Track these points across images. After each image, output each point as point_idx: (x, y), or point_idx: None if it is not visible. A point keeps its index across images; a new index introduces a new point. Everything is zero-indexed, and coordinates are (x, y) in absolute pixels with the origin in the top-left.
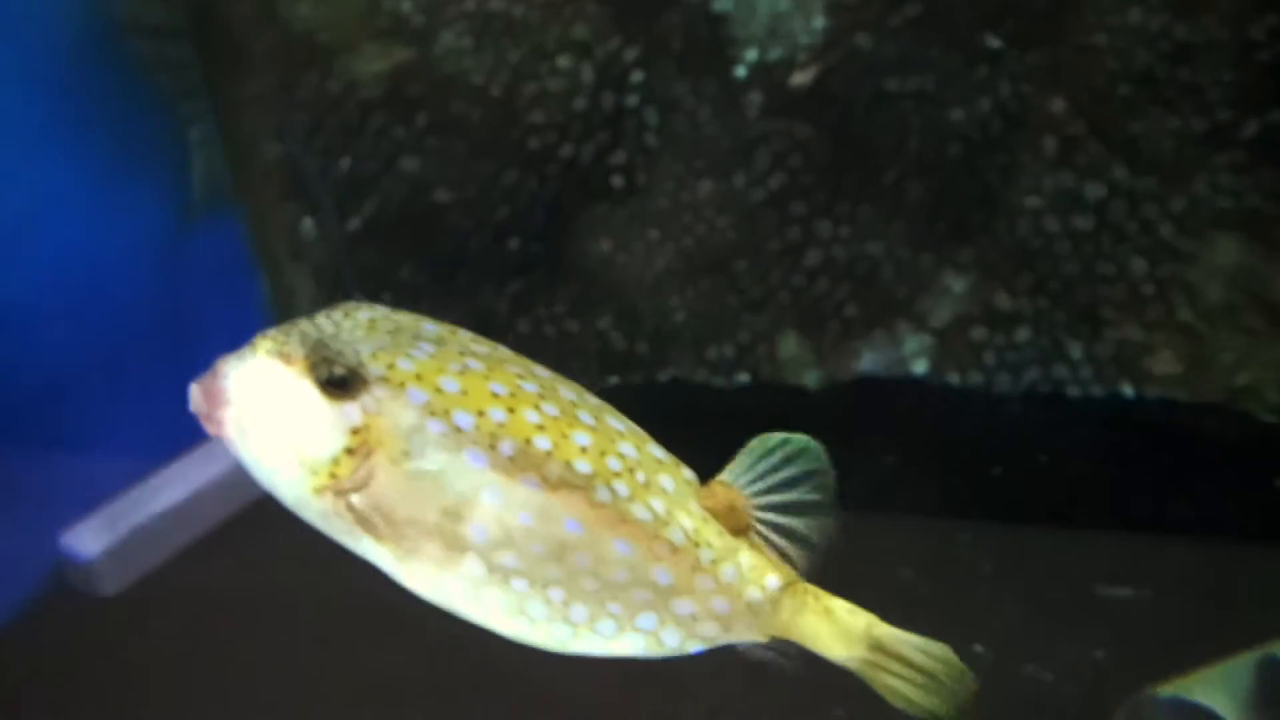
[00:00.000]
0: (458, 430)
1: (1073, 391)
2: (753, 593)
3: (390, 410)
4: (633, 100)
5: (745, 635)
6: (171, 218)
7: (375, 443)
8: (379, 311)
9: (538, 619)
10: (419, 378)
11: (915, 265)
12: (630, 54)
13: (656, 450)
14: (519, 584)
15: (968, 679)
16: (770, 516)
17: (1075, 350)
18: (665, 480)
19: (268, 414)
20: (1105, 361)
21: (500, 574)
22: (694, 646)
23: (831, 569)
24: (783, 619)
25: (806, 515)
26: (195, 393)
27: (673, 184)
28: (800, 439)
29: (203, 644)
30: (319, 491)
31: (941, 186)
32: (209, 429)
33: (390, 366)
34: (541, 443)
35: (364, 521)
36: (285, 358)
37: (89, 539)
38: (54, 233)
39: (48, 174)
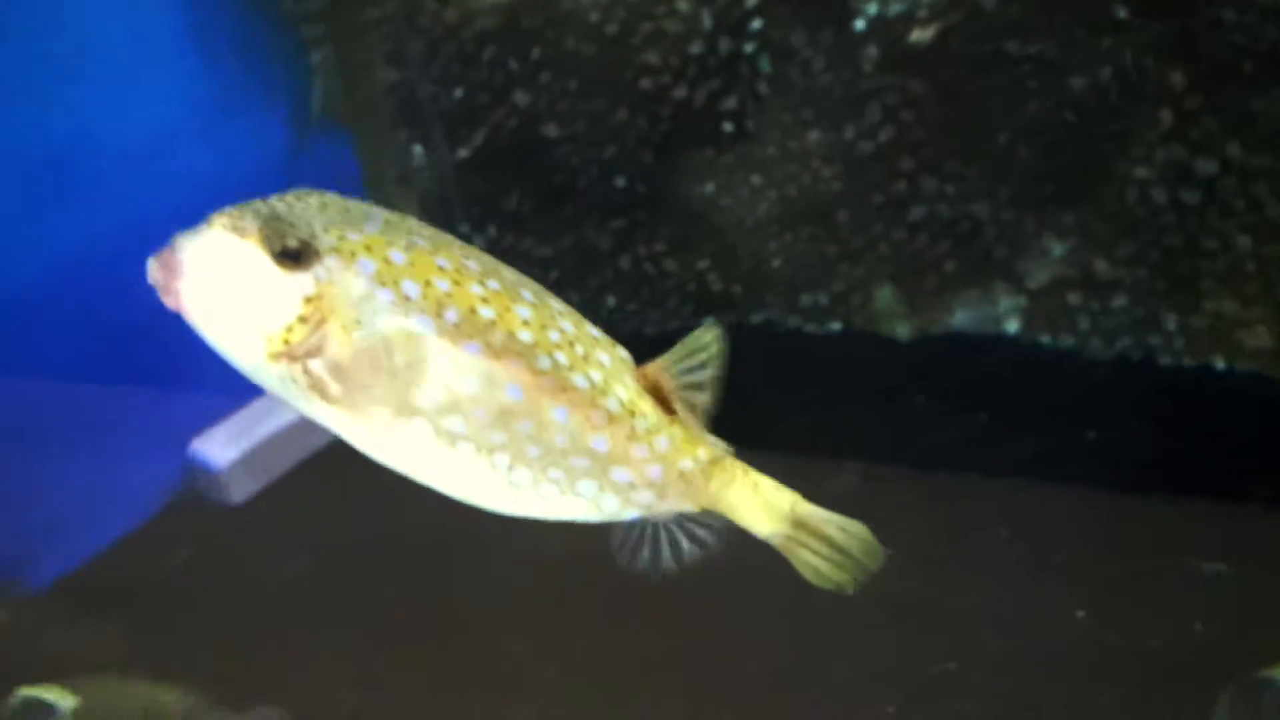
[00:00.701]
0: (406, 299)
1: (1164, 361)
2: (685, 462)
3: (341, 279)
4: (749, 47)
5: (678, 504)
6: (289, 140)
7: (328, 311)
8: (330, 196)
9: (484, 481)
10: (369, 249)
11: (1017, 227)
12: (750, 1)
13: (594, 330)
14: (465, 448)
15: (879, 555)
16: (695, 396)
17: (1170, 321)
18: (603, 356)
19: (223, 285)
20: (1199, 333)
21: (447, 438)
22: (631, 513)
23: (924, 523)
24: (712, 490)
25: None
26: (152, 266)
27: (781, 132)
28: (710, 329)
29: (321, 552)
30: (274, 358)
31: (1052, 151)
32: (166, 301)
33: (341, 238)
34: (485, 312)
35: (317, 386)
36: (240, 231)
37: (218, 449)
38: (186, 152)
39: (182, 94)
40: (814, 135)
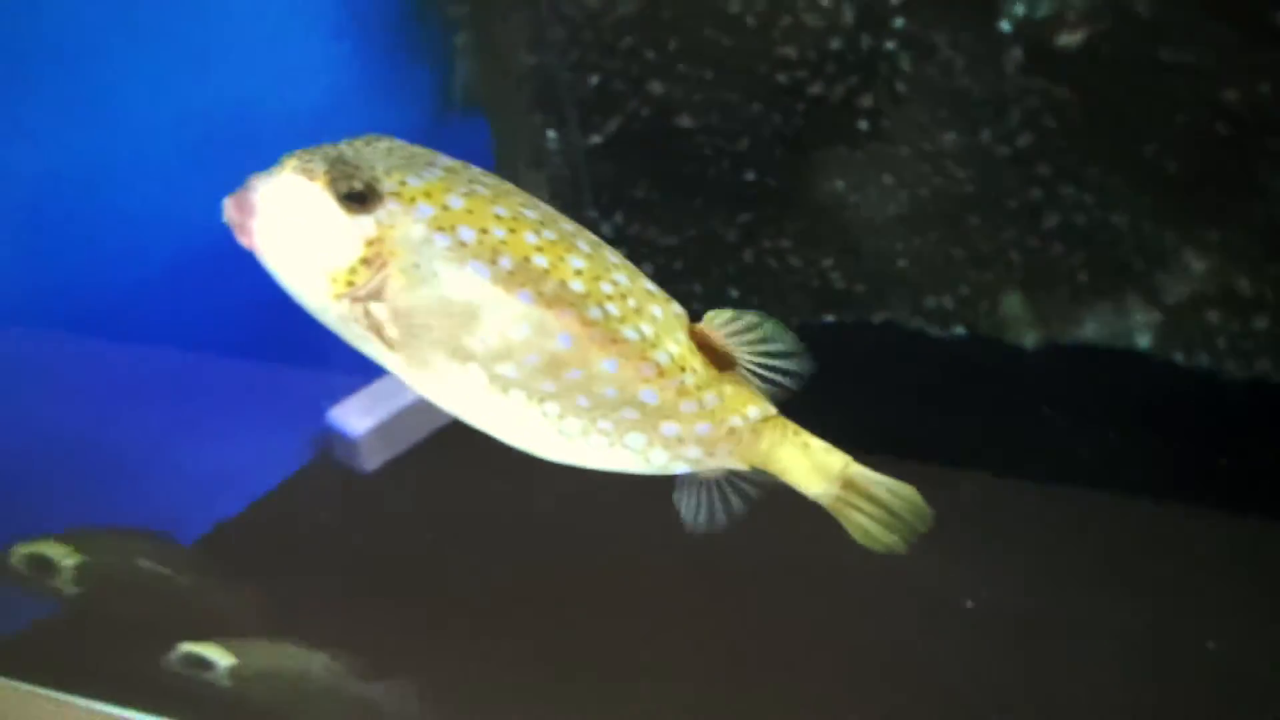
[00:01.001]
0: (461, 244)
1: None
2: (735, 419)
3: (401, 223)
4: (890, 45)
5: (727, 461)
6: (429, 120)
7: (389, 254)
8: (397, 142)
9: (535, 429)
10: (428, 195)
11: (1157, 240)
12: None
13: (649, 284)
14: (517, 395)
15: (928, 518)
16: (751, 358)
17: None
18: (655, 309)
19: (291, 225)
20: None
21: (500, 384)
22: (680, 467)
23: (1045, 539)
24: (762, 449)
25: (783, 359)
26: (228, 204)
27: (916, 132)
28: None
29: (449, 522)
30: (337, 298)
31: (1200, 165)
32: (240, 239)
33: (402, 183)
34: (539, 260)
35: (376, 328)
36: (309, 173)
37: (355, 417)
38: (328, 131)
39: (327, 73)
40: (950, 136)
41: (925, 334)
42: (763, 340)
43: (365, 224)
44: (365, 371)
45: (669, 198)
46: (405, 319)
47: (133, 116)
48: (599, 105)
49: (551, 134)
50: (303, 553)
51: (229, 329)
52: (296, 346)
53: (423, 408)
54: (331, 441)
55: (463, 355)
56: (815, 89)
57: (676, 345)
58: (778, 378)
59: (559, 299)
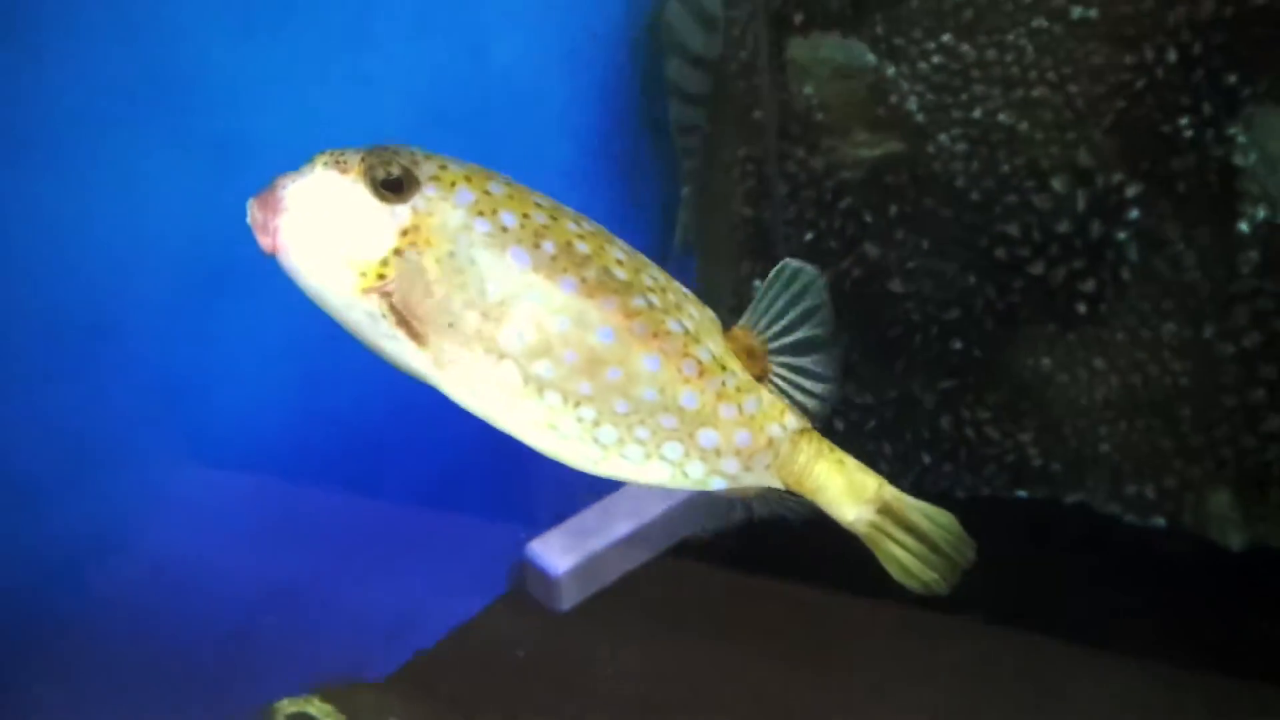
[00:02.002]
0: (503, 229)
1: None
2: (774, 428)
3: (440, 209)
4: (1121, 234)
5: (764, 477)
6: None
7: (424, 243)
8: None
9: (568, 435)
10: (468, 179)
11: None
12: (1131, 190)
13: (681, 286)
14: (552, 397)
15: (969, 549)
16: (785, 359)
17: None
18: (692, 309)
19: (322, 219)
20: None
21: (535, 385)
22: (717, 482)
23: None
24: (800, 463)
25: (817, 353)
26: (253, 206)
27: (1135, 320)
28: (806, 271)
29: (642, 665)
30: (365, 293)
31: None
32: (263, 243)
33: (442, 167)
34: (581, 247)
35: (406, 324)
36: (342, 166)
37: (555, 555)
38: None
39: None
40: (1170, 328)
41: (1120, 521)
42: (804, 353)
43: (401, 213)
44: (565, 503)
45: (870, 357)
46: (437, 311)
47: None
48: (811, 261)
49: (757, 284)
50: (500, 690)
51: (429, 463)
52: (495, 476)
53: (623, 547)
54: (527, 574)
55: (497, 352)
56: (1035, 268)
57: (715, 345)
58: (809, 399)
59: (602, 286)
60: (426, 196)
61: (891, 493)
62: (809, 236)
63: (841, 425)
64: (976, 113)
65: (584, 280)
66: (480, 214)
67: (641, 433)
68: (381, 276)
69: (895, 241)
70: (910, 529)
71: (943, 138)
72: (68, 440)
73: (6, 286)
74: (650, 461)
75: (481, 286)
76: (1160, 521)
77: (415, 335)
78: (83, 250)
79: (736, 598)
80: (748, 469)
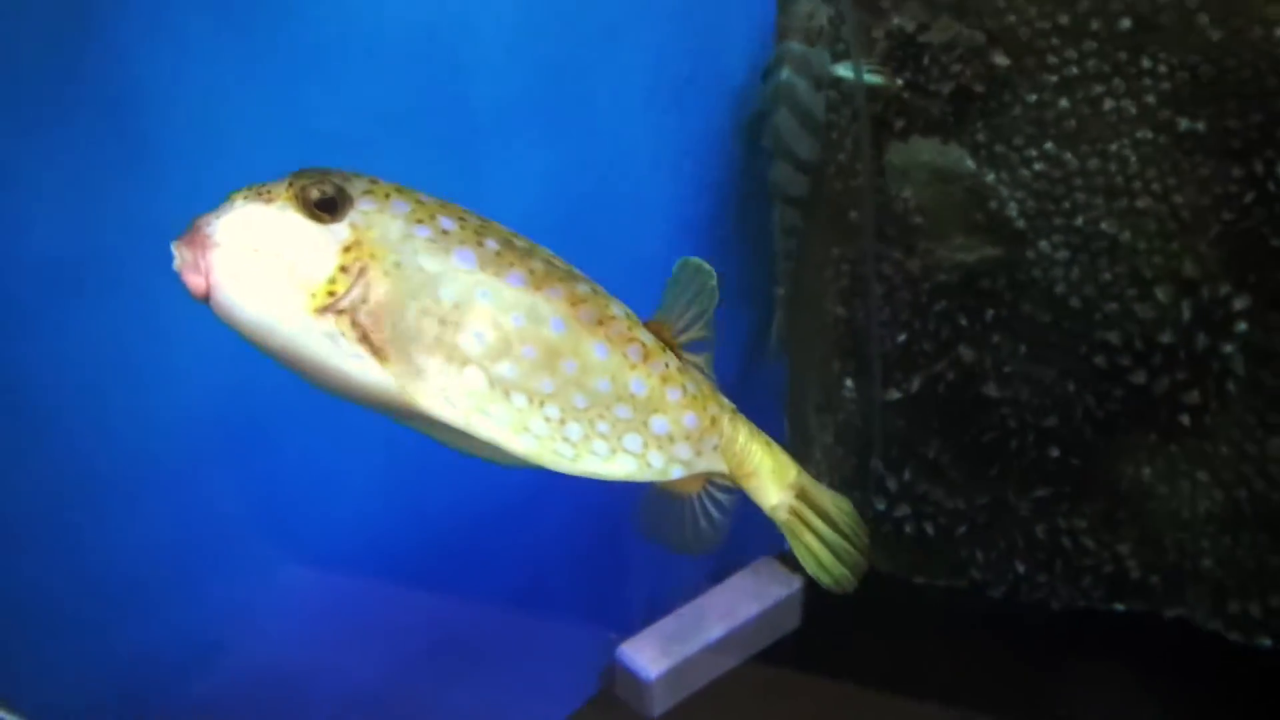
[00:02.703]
0: (444, 233)
1: None
2: (713, 408)
3: (378, 221)
4: (1227, 346)
5: (713, 460)
6: (741, 361)
7: (368, 256)
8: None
9: (541, 436)
10: (400, 191)
11: None
12: (1239, 302)
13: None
14: (519, 399)
15: (863, 532)
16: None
17: None
18: (615, 304)
19: (257, 247)
20: None
21: (500, 388)
22: (675, 470)
23: None
24: (740, 443)
25: (705, 351)
26: (178, 249)
27: (1240, 433)
28: (705, 270)
29: None
30: (320, 313)
31: None
32: (193, 284)
33: (373, 182)
34: (519, 242)
35: (366, 340)
36: (265, 196)
37: (647, 659)
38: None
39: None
40: (1277, 442)
41: (1222, 638)
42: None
43: (339, 230)
44: (656, 604)
45: (962, 461)
46: (395, 324)
47: None
48: (903, 362)
49: (849, 382)
50: None
51: (519, 564)
52: (586, 577)
53: (716, 650)
54: (618, 678)
55: (459, 358)
56: (1137, 377)
57: (645, 333)
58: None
59: (549, 275)
60: (363, 211)
61: (806, 478)
62: (902, 338)
63: (931, 529)
64: (1079, 220)
65: (531, 272)
66: (419, 221)
67: (602, 426)
68: (331, 294)
69: (991, 346)
70: (821, 514)
71: (1043, 244)
72: (167, 546)
73: (115, 395)
74: (616, 456)
75: (434, 292)
76: (1266, 642)
77: (378, 350)
78: (194, 363)
79: (828, 704)
80: (699, 453)
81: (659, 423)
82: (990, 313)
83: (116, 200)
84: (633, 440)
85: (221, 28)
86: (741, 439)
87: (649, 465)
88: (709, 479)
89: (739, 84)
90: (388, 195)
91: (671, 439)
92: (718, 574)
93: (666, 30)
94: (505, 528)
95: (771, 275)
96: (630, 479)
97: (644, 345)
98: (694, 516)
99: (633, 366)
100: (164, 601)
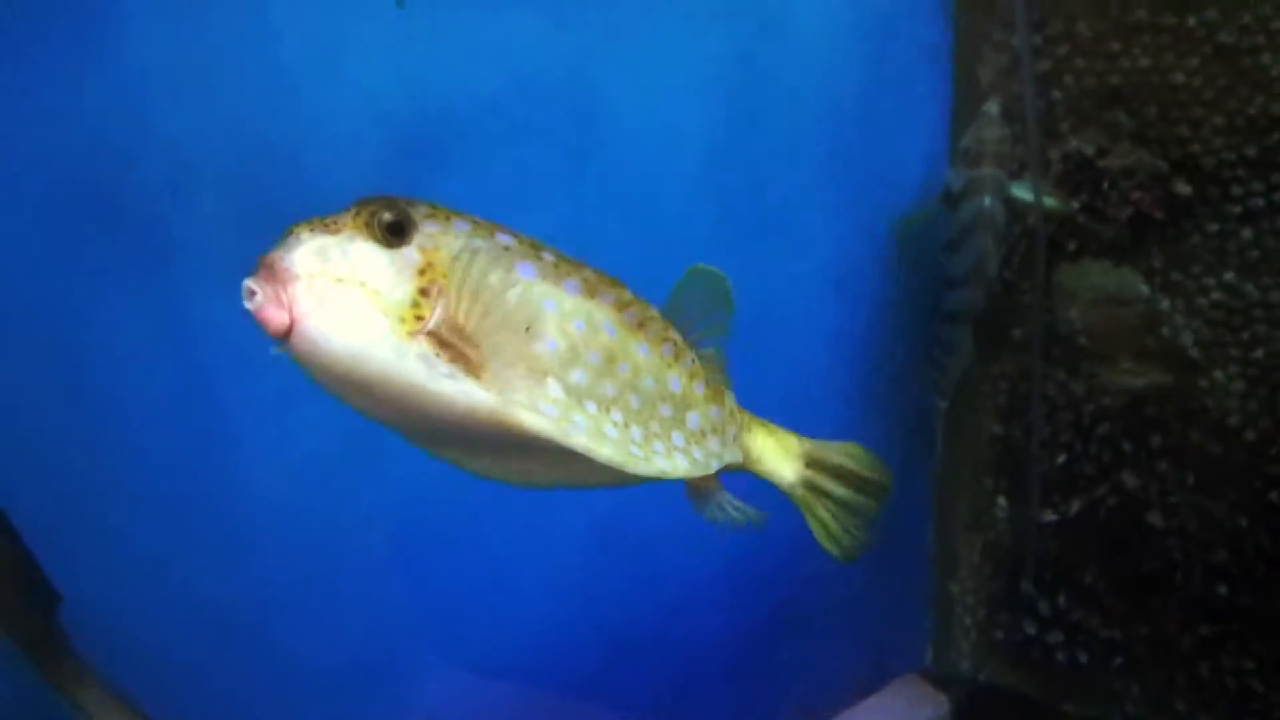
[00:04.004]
0: (505, 249)
1: None
2: (730, 399)
3: (444, 243)
4: None
5: (734, 451)
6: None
7: (441, 277)
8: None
9: (614, 440)
10: (456, 212)
11: None
12: None
13: None
14: (591, 406)
15: (883, 471)
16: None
17: None
18: (652, 308)
19: (340, 278)
20: None
21: (575, 395)
22: (714, 463)
23: None
24: (751, 430)
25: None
26: (257, 285)
27: None
28: (717, 276)
29: None
30: (412, 336)
31: None
32: (275, 320)
33: (432, 206)
34: (569, 257)
35: (460, 357)
36: (331, 227)
37: None
38: None
39: (851, 413)
40: None
41: None
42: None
43: (410, 254)
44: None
45: (1121, 591)
46: (479, 339)
47: None
48: (1061, 484)
49: (1002, 501)
50: None
51: (666, 667)
52: (734, 679)
53: None
54: None
55: (540, 368)
56: None
57: (676, 332)
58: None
59: (599, 283)
60: (428, 233)
61: (810, 443)
62: (1062, 459)
63: (1085, 657)
64: (1258, 353)
65: (585, 280)
66: (480, 238)
67: (654, 426)
68: (419, 318)
69: (1157, 474)
70: (835, 472)
71: (1218, 374)
72: (354, 646)
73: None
74: (673, 455)
75: (505, 305)
76: None
77: (472, 367)
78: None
79: None
80: (725, 444)
81: (693, 418)
82: (1157, 439)
83: None
84: (678, 437)
85: None
86: (751, 428)
87: (695, 461)
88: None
89: (906, 202)
90: (448, 217)
91: (704, 433)
92: (866, 687)
93: (842, 150)
94: (652, 630)
95: (933, 389)
96: (688, 475)
97: (675, 344)
98: (724, 509)
99: (669, 365)
100: (364, 702)
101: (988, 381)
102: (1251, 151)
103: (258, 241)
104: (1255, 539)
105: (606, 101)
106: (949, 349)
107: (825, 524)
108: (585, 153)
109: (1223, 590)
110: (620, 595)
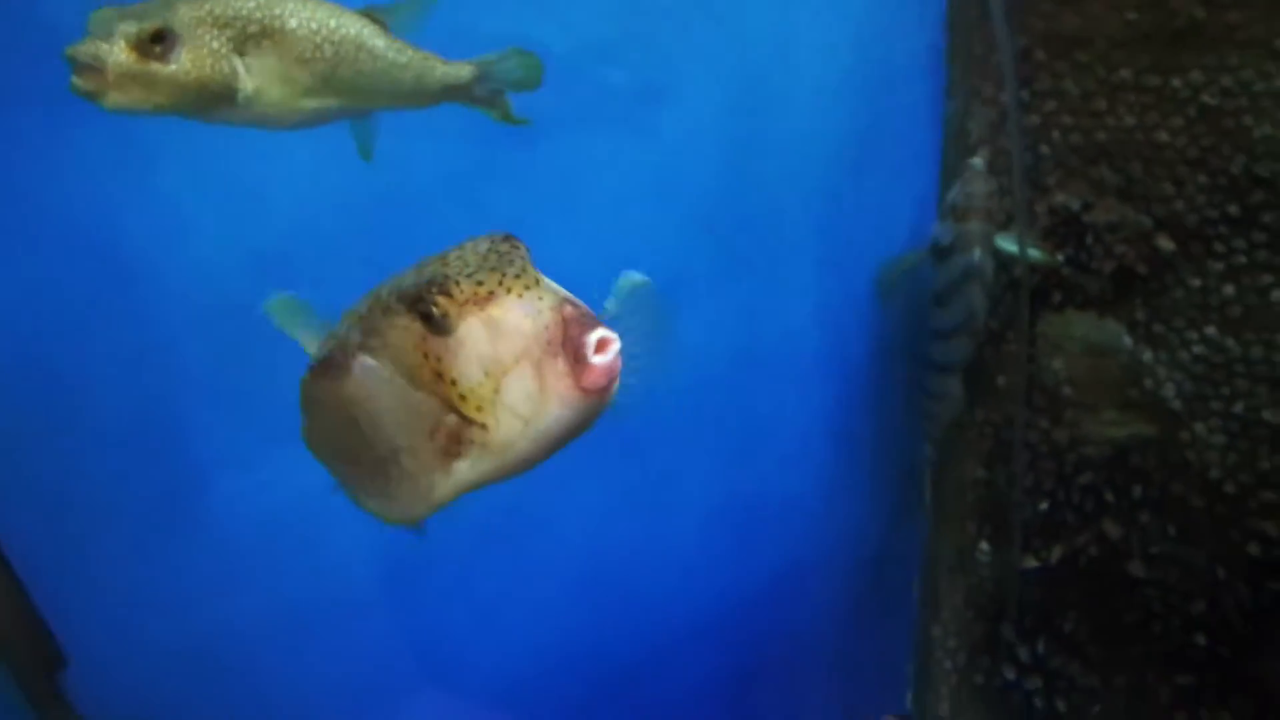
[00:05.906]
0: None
1: None
2: None
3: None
4: None
5: None
6: (886, 521)
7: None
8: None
9: None
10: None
11: None
12: None
13: None
14: None
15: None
16: None
17: None
18: None
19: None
20: None
21: None
22: None
23: None
24: None
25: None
26: (608, 351)
27: None
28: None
29: None
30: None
31: None
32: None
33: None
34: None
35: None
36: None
37: None
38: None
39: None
40: None
41: None
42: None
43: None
44: None
45: (1100, 639)
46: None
47: None
48: (1043, 532)
49: (984, 546)
50: None
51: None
52: None
53: None
54: None
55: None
56: None
57: None
58: None
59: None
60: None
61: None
62: (1044, 506)
63: (1063, 705)
64: (1238, 407)
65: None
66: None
67: None
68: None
69: (1138, 524)
70: None
71: (1199, 427)
72: (339, 685)
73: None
74: None
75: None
76: None
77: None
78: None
79: None
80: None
81: None
82: (1138, 490)
83: None
84: None
85: None
86: None
87: None
88: None
89: (893, 252)
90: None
91: None
92: None
93: (832, 201)
94: (639, 679)
95: (922, 436)
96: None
97: None
98: None
99: None
100: None
101: (973, 427)
102: (1234, 210)
103: None
104: (1234, 592)
105: (597, 142)
106: (938, 397)
107: None
108: (574, 194)
109: (1201, 641)
110: (602, 639)
